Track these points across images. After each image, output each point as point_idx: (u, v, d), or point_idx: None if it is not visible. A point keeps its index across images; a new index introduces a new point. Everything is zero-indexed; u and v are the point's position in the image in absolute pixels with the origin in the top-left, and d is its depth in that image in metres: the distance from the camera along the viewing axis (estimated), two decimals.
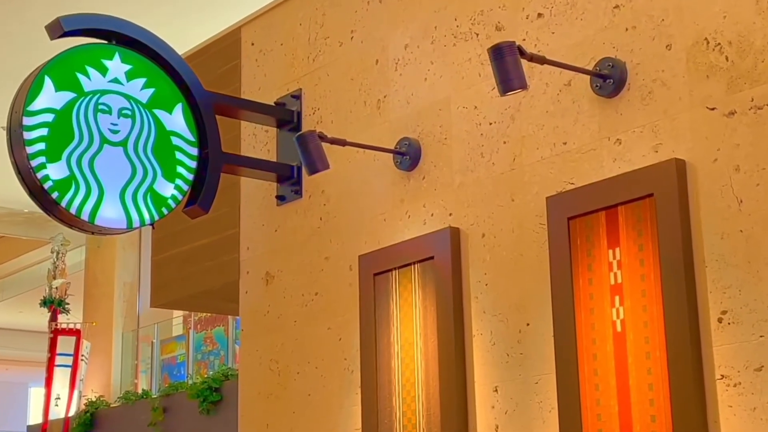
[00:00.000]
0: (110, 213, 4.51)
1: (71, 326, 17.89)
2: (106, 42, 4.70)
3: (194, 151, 4.77)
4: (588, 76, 3.94)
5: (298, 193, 5.15)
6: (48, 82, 4.45)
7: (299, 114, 5.22)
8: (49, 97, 4.44)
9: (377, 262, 4.59)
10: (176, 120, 4.75)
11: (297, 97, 5.25)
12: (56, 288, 18.21)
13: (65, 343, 17.36)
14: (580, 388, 3.74)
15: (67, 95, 4.49)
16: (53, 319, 18.00)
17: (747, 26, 3.54)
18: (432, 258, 4.36)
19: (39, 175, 4.36)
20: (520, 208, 4.14)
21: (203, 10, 10.98)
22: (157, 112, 4.71)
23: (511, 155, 4.22)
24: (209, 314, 15.21)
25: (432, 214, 4.48)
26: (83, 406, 17.08)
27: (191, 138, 4.77)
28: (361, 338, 4.60)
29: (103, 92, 4.59)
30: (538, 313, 3.99)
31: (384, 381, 4.44)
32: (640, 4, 3.85)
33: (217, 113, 4.90)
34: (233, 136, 5.48)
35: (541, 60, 3.85)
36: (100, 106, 4.57)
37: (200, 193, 4.75)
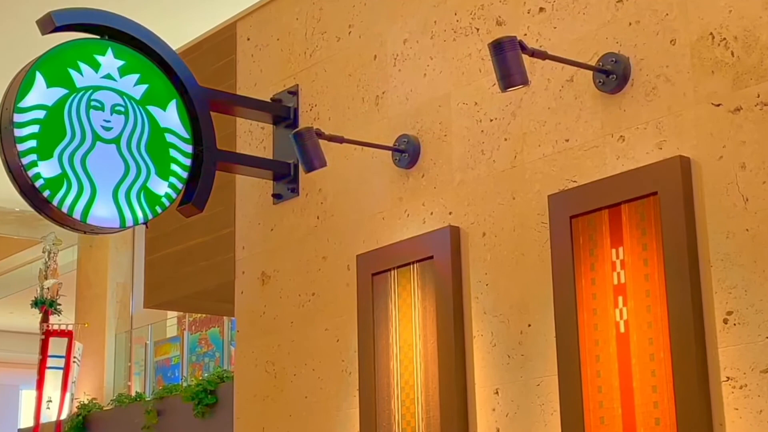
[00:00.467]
0: (103, 212, 4.51)
1: (63, 327, 17.87)
2: (98, 37, 4.70)
3: (189, 149, 4.76)
4: (591, 72, 3.94)
5: (295, 191, 5.15)
6: (39, 78, 4.45)
7: (296, 110, 5.22)
8: (41, 94, 4.44)
9: (375, 261, 4.59)
10: (170, 117, 4.74)
11: (293, 93, 5.24)
12: (48, 288, 18.19)
13: (57, 345, 17.35)
14: (582, 390, 3.74)
15: (59, 91, 4.49)
16: (45, 320, 17.99)
17: (753, 21, 3.54)
18: (431, 258, 4.36)
19: (30, 173, 4.36)
20: (522, 206, 4.14)
21: (198, 4, 10.99)
22: (151, 108, 4.70)
23: (512, 152, 4.21)
24: (204, 315, 15.21)
25: (431, 213, 4.48)
26: (75, 409, 17.07)
27: (185, 135, 4.76)
28: (359, 340, 4.60)
29: (96, 88, 4.58)
30: (540, 313, 3.99)
31: (382, 383, 4.44)
32: None
33: (212, 110, 4.89)
34: (228, 133, 5.47)
35: (543, 55, 3.85)
36: (93, 103, 4.56)
37: (195, 192, 4.74)
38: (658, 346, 3.56)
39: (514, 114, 4.23)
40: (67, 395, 17.25)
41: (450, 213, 4.41)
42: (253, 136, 5.46)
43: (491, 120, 4.31)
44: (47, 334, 17.66)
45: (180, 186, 4.72)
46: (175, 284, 5.92)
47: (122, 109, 4.63)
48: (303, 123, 5.13)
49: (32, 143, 4.38)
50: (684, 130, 3.68)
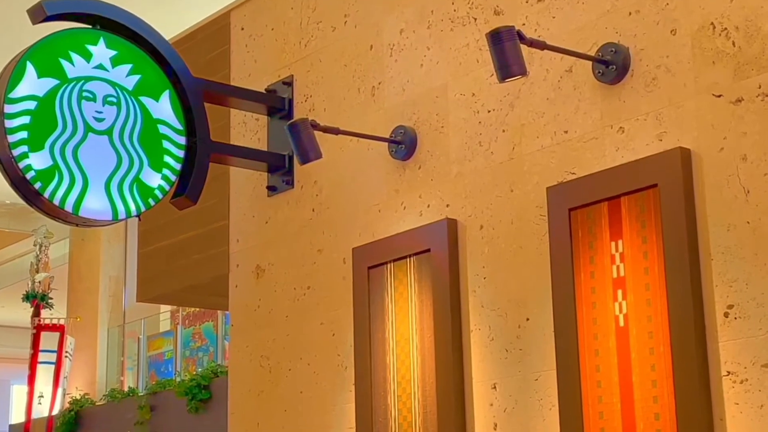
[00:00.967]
0: (95, 204, 4.51)
1: (55, 322, 17.88)
2: (90, 27, 4.69)
3: (182, 140, 4.76)
4: (590, 63, 3.94)
5: (290, 183, 5.15)
6: (30, 69, 4.44)
7: (291, 101, 5.21)
8: (32, 84, 4.43)
9: (372, 254, 4.59)
10: (163, 108, 4.74)
11: (288, 83, 5.24)
12: (39, 282, 18.19)
13: (49, 339, 17.35)
14: (581, 384, 3.74)
15: (50, 82, 4.48)
16: (36, 314, 17.98)
17: (754, 10, 3.54)
18: (428, 251, 4.36)
19: (21, 164, 4.36)
20: (520, 198, 4.14)
21: None
22: (144, 99, 4.70)
23: (510, 144, 4.22)
24: (198, 309, 15.21)
25: (428, 206, 4.48)
26: (67, 405, 17.07)
27: (179, 126, 4.76)
28: (355, 334, 4.60)
29: (88, 79, 4.58)
30: (538, 307, 4.00)
31: (379, 378, 4.45)
32: None
33: (205, 101, 4.89)
34: (222, 124, 5.47)
35: (542, 45, 3.85)
36: (85, 93, 4.56)
37: (188, 184, 4.74)
38: (657, 340, 3.57)
39: (512, 105, 4.23)
40: (59, 390, 17.25)
41: (447, 205, 4.41)
42: (247, 128, 5.46)
43: (489, 111, 4.31)
44: (39, 328, 17.65)
45: (173, 178, 4.72)
46: (168, 278, 5.92)
47: (114, 100, 4.63)
48: (298, 114, 5.13)
49: (23, 134, 4.37)
50: (684, 121, 3.68)
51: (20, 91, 4.40)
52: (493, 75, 3.90)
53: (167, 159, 4.71)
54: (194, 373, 14.54)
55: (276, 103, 5.23)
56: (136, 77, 4.70)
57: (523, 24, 4.18)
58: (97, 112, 4.58)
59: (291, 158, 5.11)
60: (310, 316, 4.95)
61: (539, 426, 3.95)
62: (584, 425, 3.71)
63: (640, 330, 3.62)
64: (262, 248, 5.26)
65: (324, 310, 4.88)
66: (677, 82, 3.72)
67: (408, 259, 4.44)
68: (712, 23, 3.65)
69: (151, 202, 4.66)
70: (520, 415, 4.02)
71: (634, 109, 3.83)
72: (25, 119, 4.39)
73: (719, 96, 3.60)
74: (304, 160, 4.51)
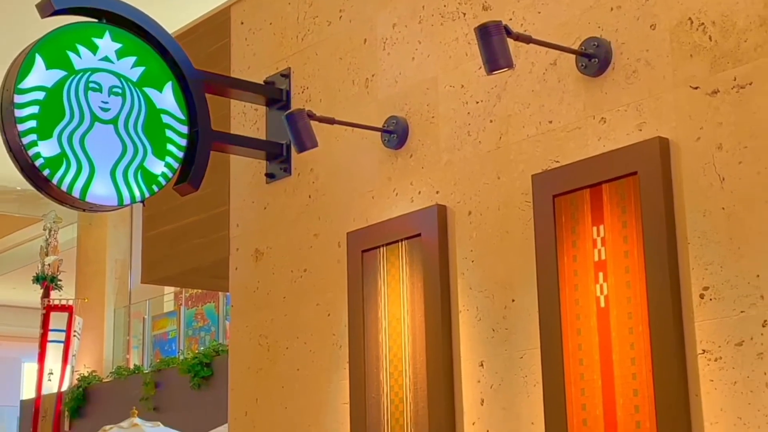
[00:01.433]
0: (101, 190, 4.49)
1: (64, 302, 17.88)
2: (96, 21, 4.67)
3: (184, 129, 4.74)
4: (573, 56, 3.93)
5: (287, 171, 5.14)
6: (39, 60, 4.42)
7: (288, 93, 5.20)
8: (40, 75, 4.41)
9: (365, 239, 4.59)
10: (166, 98, 4.72)
11: (286, 75, 5.22)
12: (49, 265, 18.18)
13: (58, 319, 17.35)
14: (564, 362, 3.74)
15: (58, 73, 4.46)
16: (46, 295, 17.97)
17: (730, 6, 3.54)
18: (419, 235, 4.35)
19: (30, 152, 4.34)
20: (506, 186, 4.14)
21: None
22: (148, 90, 4.68)
23: (497, 134, 4.21)
24: (200, 291, 15.21)
25: (419, 192, 4.48)
26: (76, 381, 17.09)
27: (181, 116, 4.74)
28: (350, 314, 4.60)
29: (94, 70, 4.56)
30: (524, 289, 4.00)
31: (372, 356, 4.45)
32: None
33: (206, 92, 4.87)
34: (223, 114, 5.45)
35: (527, 39, 3.84)
36: (91, 84, 4.54)
37: (190, 171, 4.73)
38: (636, 321, 3.57)
39: (499, 96, 4.22)
40: (68, 368, 17.25)
41: (437, 192, 4.40)
42: (246, 118, 5.44)
43: (477, 102, 4.30)
44: (48, 308, 17.65)
45: (176, 165, 4.71)
46: (171, 261, 5.91)
47: (119, 90, 4.61)
48: (295, 105, 5.12)
49: (32, 123, 4.36)
50: (663, 112, 3.68)
51: (29, 82, 4.38)
52: (481, 68, 3.89)
53: (170, 147, 4.69)
54: (196, 351, 14.55)
55: (274, 95, 5.22)
56: (140, 69, 4.68)
57: (510, 19, 4.17)
58: (103, 102, 4.56)
59: (288, 147, 5.10)
60: (306, 297, 4.94)
61: (524, 402, 3.95)
62: (567, 401, 3.72)
63: (620, 311, 3.62)
64: (260, 233, 5.25)
65: (320, 292, 4.87)
66: (656, 74, 3.71)
67: (400, 243, 4.43)
68: (690, 18, 3.64)
69: (155, 188, 4.64)
70: (505, 391, 4.03)
71: (615, 101, 3.82)
72: (34, 109, 4.37)
73: (696, 88, 3.60)
74: (301, 148, 4.50)
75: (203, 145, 4.77)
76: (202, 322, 15.97)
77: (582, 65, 3.91)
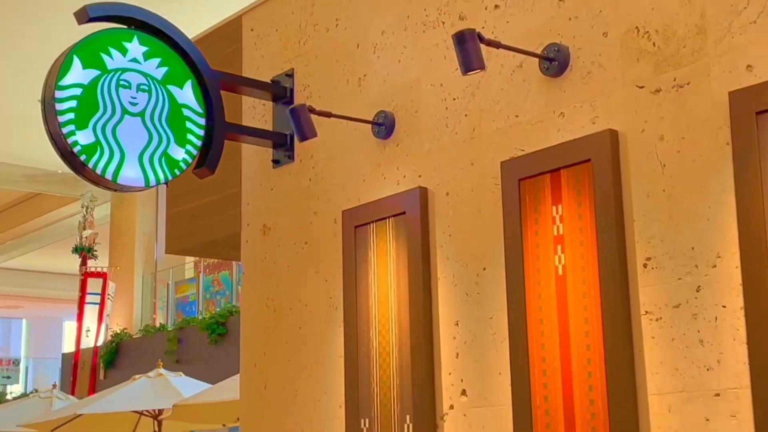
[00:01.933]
0: (130, 173, 4.48)
1: (99, 270, 17.85)
2: (126, 27, 4.64)
3: (202, 121, 4.73)
4: (537, 59, 3.92)
5: (291, 157, 5.13)
6: (76, 61, 4.39)
7: (292, 90, 5.18)
8: (78, 74, 4.39)
9: (358, 216, 4.58)
10: (187, 94, 4.70)
11: (290, 75, 5.20)
12: (86, 237, 18.15)
13: (94, 284, 17.34)
14: (527, 322, 3.76)
15: (93, 72, 4.44)
16: (83, 263, 17.94)
17: (671, 17, 3.53)
18: (404, 213, 4.35)
19: (69, 140, 4.32)
20: (479, 171, 4.13)
21: (210, 0, 10.88)
22: (170, 87, 4.66)
23: (471, 126, 4.20)
24: (216, 260, 15.20)
25: (404, 176, 4.47)
26: (109, 338, 17.10)
27: (199, 110, 4.72)
28: (344, 281, 4.60)
29: (124, 70, 4.53)
30: (493, 259, 4.00)
31: (363, 316, 4.45)
32: None
33: (221, 89, 4.85)
34: (235, 108, 5.43)
35: (497, 45, 3.83)
36: (122, 82, 4.51)
37: (207, 157, 4.71)
38: (589, 287, 3.58)
39: (473, 94, 4.21)
40: (103, 326, 17.25)
41: (420, 176, 4.40)
42: (256, 111, 5.42)
43: (454, 99, 4.29)
44: (86, 275, 17.62)
45: (195, 152, 4.69)
46: (191, 234, 5.90)
47: (146, 87, 4.59)
48: (298, 100, 5.10)
49: (71, 115, 4.33)
50: (613, 108, 3.68)
51: (68, 79, 4.35)
52: (457, 69, 3.88)
53: (190, 137, 4.67)
54: (213, 312, 14.57)
55: (280, 92, 5.20)
56: (164, 69, 4.66)
57: (483, 27, 4.15)
58: (131, 97, 4.54)
59: (292, 137, 5.09)
60: (307, 266, 4.94)
61: (493, 356, 3.96)
62: (529, 355, 3.73)
63: (575, 278, 3.63)
64: (268, 210, 5.24)
65: (318, 262, 4.87)
66: (608, 75, 3.71)
67: (387, 220, 4.43)
68: (637, 27, 3.64)
69: (177, 172, 4.63)
70: (477, 347, 4.04)
71: (572, 98, 3.82)
72: (72, 103, 4.35)
73: (642, 87, 3.60)
74: (303, 138, 4.49)
75: (218, 135, 4.75)
76: (218, 287, 15.98)
77: (544, 67, 3.90)
